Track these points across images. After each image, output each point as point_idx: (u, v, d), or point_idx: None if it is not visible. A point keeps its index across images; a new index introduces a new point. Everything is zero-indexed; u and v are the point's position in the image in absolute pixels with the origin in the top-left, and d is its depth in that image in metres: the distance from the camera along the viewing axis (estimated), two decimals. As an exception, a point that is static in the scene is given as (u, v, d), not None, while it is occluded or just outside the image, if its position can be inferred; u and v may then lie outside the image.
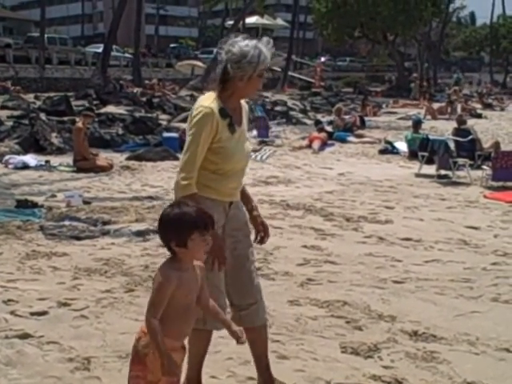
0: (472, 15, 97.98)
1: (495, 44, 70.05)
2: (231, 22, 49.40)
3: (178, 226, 3.03)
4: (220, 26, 60.20)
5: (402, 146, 16.83)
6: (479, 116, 30.39)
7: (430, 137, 14.51)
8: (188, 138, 3.65)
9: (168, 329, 3.05)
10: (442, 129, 22.01)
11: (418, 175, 13.39)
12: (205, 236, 3.07)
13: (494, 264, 7.08)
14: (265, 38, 3.71)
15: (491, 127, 25.53)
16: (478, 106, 36.23)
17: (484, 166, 13.05)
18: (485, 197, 11.22)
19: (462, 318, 5.41)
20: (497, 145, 14.77)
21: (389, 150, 17.12)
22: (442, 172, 13.16)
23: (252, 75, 3.63)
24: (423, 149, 13.66)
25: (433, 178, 12.95)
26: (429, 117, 28.87)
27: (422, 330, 5.05)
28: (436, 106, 32.16)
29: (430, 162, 13.49)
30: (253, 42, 3.65)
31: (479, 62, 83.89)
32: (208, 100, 3.66)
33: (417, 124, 16.49)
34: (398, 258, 7.22)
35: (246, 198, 4.08)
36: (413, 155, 14.73)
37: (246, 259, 3.95)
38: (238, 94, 3.73)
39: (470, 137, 14.17)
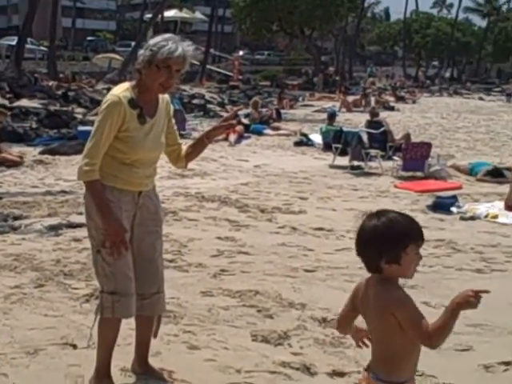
0: (386, 11, 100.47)
1: (408, 39, 71.76)
2: (150, 16, 48.88)
3: (391, 238, 2.57)
4: (138, 19, 59.44)
5: (316, 138, 17.07)
6: (392, 108, 31.13)
7: (344, 129, 14.80)
8: (94, 125, 3.70)
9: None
10: (356, 121, 22.42)
11: (331, 166, 13.62)
12: (419, 248, 2.66)
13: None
14: (187, 42, 3.75)
15: (403, 119, 26.19)
16: (391, 98, 37.09)
17: (395, 157, 13.39)
18: (395, 186, 11.53)
19: (369, 303, 5.56)
20: (407, 136, 15.21)
21: (304, 142, 17.32)
22: (355, 163, 13.43)
23: (151, 62, 3.62)
24: (337, 141, 13.91)
25: (346, 169, 13.20)
26: (344, 109, 29.37)
27: (330, 316, 5.15)
28: (351, 98, 32.72)
29: (343, 153, 13.74)
30: (167, 36, 3.72)
31: (393, 56, 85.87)
32: (119, 90, 3.71)
33: (331, 116, 16.78)
34: (310, 247, 7.36)
35: (192, 145, 4.16)
36: (327, 147, 14.99)
37: (154, 250, 3.97)
38: (144, 84, 3.73)
39: (382, 129, 14.51)
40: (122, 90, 3.70)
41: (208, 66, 48.56)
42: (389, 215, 2.63)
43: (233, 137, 17.30)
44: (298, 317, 5.18)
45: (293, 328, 4.93)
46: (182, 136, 17.53)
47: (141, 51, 3.70)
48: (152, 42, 3.68)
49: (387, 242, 2.56)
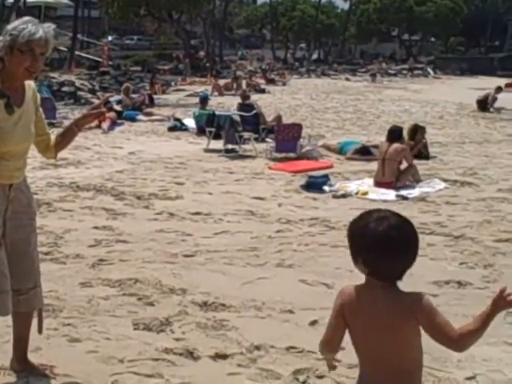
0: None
1: (275, 22, 72.73)
2: (12, 0, 46.85)
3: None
4: (-1, 3, 57.01)
5: (190, 122, 17.05)
6: (263, 91, 31.52)
7: (217, 113, 14.88)
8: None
9: None
10: (228, 104, 22.55)
11: (206, 150, 13.67)
12: None
13: (278, 232, 7.47)
14: (47, 24, 3.63)
15: (274, 101, 26.60)
16: (262, 81, 37.55)
17: (268, 139, 13.62)
18: (269, 168, 11.74)
19: (249, 285, 5.67)
20: (279, 118, 15.49)
21: (178, 127, 17.26)
22: (229, 146, 13.55)
23: (13, 47, 3.49)
24: (210, 124, 13.97)
25: (221, 153, 13.29)
26: (216, 93, 29.46)
27: (211, 300, 5.22)
28: (222, 82, 32.87)
29: (217, 137, 13.83)
30: (25, 18, 3.58)
31: (262, 39, 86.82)
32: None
33: (203, 100, 16.78)
34: (188, 232, 7.38)
35: (62, 134, 4.04)
36: (201, 131, 15.00)
37: (28, 243, 3.86)
38: (7, 71, 3.57)
39: (254, 111, 14.71)
40: None
41: (76, 52, 47.22)
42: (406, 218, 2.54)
43: (106, 124, 16.99)
44: (179, 302, 5.20)
45: (174, 314, 4.95)
46: (52, 125, 17.12)
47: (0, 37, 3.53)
48: (10, 26, 3.54)
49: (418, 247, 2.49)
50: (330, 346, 2.67)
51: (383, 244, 2.39)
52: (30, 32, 3.49)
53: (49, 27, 3.62)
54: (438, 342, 2.42)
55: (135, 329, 4.70)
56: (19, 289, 3.80)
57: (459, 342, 2.39)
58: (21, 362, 4.06)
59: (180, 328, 4.71)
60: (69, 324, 4.74)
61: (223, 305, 5.14)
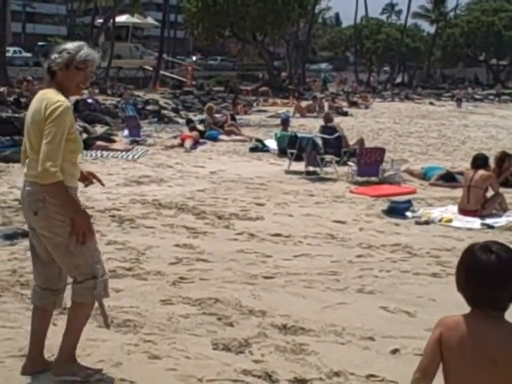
0: (337, 16, 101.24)
1: (359, 44, 72.51)
2: (101, 21, 48.45)
3: None
4: (89, 24, 58.87)
5: (271, 143, 17.14)
6: (345, 114, 31.40)
7: (299, 134, 14.89)
8: (51, 130, 3.81)
9: None
10: (310, 126, 22.56)
11: (287, 172, 13.68)
12: None
13: (359, 256, 7.38)
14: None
15: (356, 124, 26.47)
16: (344, 104, 37.43)
17: (350, 163, 13.51)
18: (351, 192, 11.64)
19: (329, 309, 5.60)
20: (361, 142, 15.37)
21: (259, 147, 17.37)
22: (311, 168, 13.51)
23: (69, 65, 3.94)
24: (292, 146, 13.99)
25: (302, 175, 13.26)
26: (298, 115, 29.51)
27: (291, 323, 5.19)
28: (304, 104, 32.92)
29: (298, 159, 13.82)
30: (78, 43, 4.10)
31: (345, 62, 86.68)
32: (58, 95, 3.91)
33: (285, 122, 16.87)
34: (268, 253, 7.37)
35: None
36: (282, 152, 15.05)
37: None
38: (60, 85, 3.98)
39: (336, 134, 14.64)
40: (61, 96, 3.91)
41: (161, 72, 48.38)
42: None
43: (188, 143, 17.26)
44: (258, 324, 5.18)
45: (253, 335, 4.94)
46: (137, 142, 17.46)
47: (54, 55, 3.98)
48: (67, 46, 4.02)
49: None
50: (425, 375, 2.54)
51: (478, 270, 2.41)
52: (86, 53, 4.00)
53: (98, 52, 4.15)
54: None
55: (214, 348, 4.71)
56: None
57: None
58: (36, 359, 4.22)
59: (259, 350, 4.69)
60: (149, 341, 4.79)
61: (303, 328, 5.09)
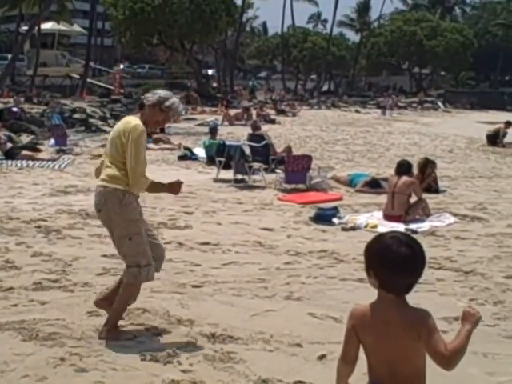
0: (264, 25, 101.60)
1: (286, 53, 73.24)
2: (26, 28, 47.36)
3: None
4: (15, 31, 57.52)
5: (200, 151, 17.13)
6: (273, 122, 31.64)
7: (227, 142, 14.94)
8: (134, 147, 4.89)
9: None
10: (238, 134, 22.67)
11: (216, 180, 13.71)
12: None
13: (286, 263, 7.45)
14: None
15: (284, 132, 26.71)
16: (272, 112, 37.73)
17: (277, 170, 13.64)
18: (278, 199, 11.74)
19: (257, 317, 5.64)
20: (289, 149, 15.54)
21: (188, 156, 17.35)
22: (239, 176, 13.58)
23: (156, 105, 5.07)
24: (220, 154, 14.03)
25: (230, 183, 13.31)
26: (226, 123, 29.61)
27: (219, 331, 5.20)
28: (233, 112, 33.04)
29: (227, 167, 13.87)
30: (168, 92, 5.31)
31: (272, 70, 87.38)
32: (138, 120, 5.02)
33: (213, 130, 16.88)
34: (196, 262, 7.37)
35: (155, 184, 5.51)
36: (211, 161, 15.06)
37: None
38: (144, 118, 5.06)
39: (264, 142, 14.74)
40: (140, 121, 5.00)
41: (88, 80, 47.72)
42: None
43: (115, 152, 17.05)
44: (186, 333, 5.18)
45: (182, 345, 4.93)
46: (63, 151, 17.12)
47: (149, 95, 5.17)
48: (162, 93, 5.21)
49: (424, 267, 2.80)
50: (345, 359, 2.91)
51: (393, 259, 2.70)
52: (172, 102, 5.13)
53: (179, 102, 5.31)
54: (431, 357, 2.67)
55: (142, 359, 4.68)
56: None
57: (450, 358, 2.64)
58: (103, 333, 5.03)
59: (187, 359, 4.68)
60: (76, 353, 4.73)
61: (231, 337, 5.11)
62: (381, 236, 2.85)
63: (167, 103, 5.07)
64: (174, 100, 5.15)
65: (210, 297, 6.14)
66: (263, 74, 79.59)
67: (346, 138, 25.41)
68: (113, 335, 5.00)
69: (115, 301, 5.11)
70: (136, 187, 5.01)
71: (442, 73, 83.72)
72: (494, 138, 24.57)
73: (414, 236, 8.67)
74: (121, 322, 5.37)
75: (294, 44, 74.57)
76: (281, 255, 7.85)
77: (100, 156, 16.71)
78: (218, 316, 5.59)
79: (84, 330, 5.18)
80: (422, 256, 2.77)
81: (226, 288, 6.43)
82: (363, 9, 77.58)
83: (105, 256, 7.49)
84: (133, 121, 5.01)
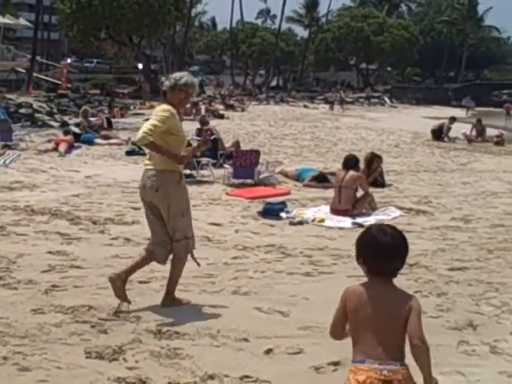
0: (213, 20, 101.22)
1: (235, 48, 73.21)
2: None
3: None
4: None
5: (148, 147, 16.97)
6: (222, 117, 31.60)
7: (175, 138, 14.83)
8: (155, 117, 5.50)
9: None
10: (187, 129, 22.47)
11: (164, 176, 13.58)
12: None
13: (234, 258, 7.47)
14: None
15: (233, 127, 26.70)
16: (221, 107, 37.67)
17: (226, 165, 13.63)
18: (227, 194, 11.74)
19: (204, 312, 5.64)
20: (237, 144, 15.55)
21: (136, 151, 17.17)
22: (187, 171, 13.48)
23: (174, 88, 5.64)
24: (168, 150, 13.92)
25: (179, 178, 13.22)
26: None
27: (166, 327, 5.18)
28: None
29: (175, 162, 13.77)
30: (182, 73, 5.92)
31: (221, 65, 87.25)
32: (169, 106, 5.59)
33: (162, 125, 16.75)
34: (144, 258, 7.30)
35: None
36: (159, 156, 14.92)
37: None
38: (170, 102, 5.64)
39: (213, 137, 14.69)
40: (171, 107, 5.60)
41: (35, 74, 46.80)
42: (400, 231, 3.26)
43: (62, 147, 16.85)
44: (132, 330, 5.14)
45: (128, 342, 4.89)
46: (8, 147, 16.80)
47: (166, 82, 5.80)
48: (173, 75, 5.79)
49: (407, 254, 3.20)
50: (335, 331, 3.31)
51: (375, 247, 3.13)
52: (186, 79, 5.68)
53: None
54: (408, 333, 3.05)
55: (87, 357, 4.63)
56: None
57: (418, 344, 3.03)
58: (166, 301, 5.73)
59: (133, 356, 4.65)
60: (19, 352, 4.65)
61: (177, 333, 5.09)
62: (369, 228, 3.28)
63: (181, 81, 5.62)
64: (187, 77, 5.70)
65: (157, 293, 6.09)
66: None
67: (295, 133, 25.54)
68: (172, 302, 5.73)
69: (170, 273, 5.81)
70: (142, 140, 5.46)
71: (389, 69, 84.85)
72: (439, 133, 25.02)
73: (360, 230, 8.82)
74: (65, 319, 5.32)
75: (242, 39, 74.58)
76: (229, 250, 7.86)
77: (46, 152, 16.57)
78: (165, 312, 5.57)
79: (28, 328, 5.10)
80: (404, 245, 3.16)
81: (174, 283, 6.40)
82: (311, 5, 78.05)
83: (50, 253, 7.40)
84: (162, 106, 5.63)
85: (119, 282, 5.64)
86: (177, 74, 5.77)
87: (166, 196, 5.58)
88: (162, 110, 5.55)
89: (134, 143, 17.99)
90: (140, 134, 5.41)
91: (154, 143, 5.43)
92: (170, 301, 5.74)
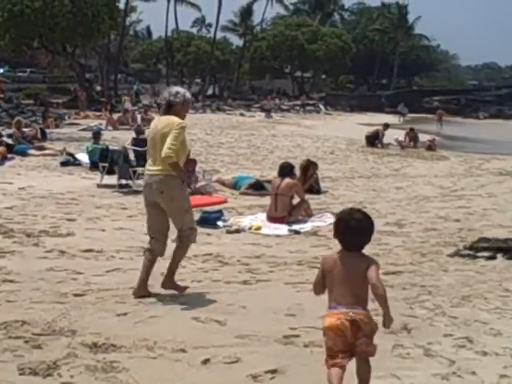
0: (148, 29, 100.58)
1: (170, 57, 72.92)
2: None
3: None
4: None
5: (83, 157, 16.77)
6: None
7: (110, 147, 14.72)
8: (175, 135, 6.22)
9: None
10: (122, 139, 22.33)
11: (99, 186, 13.47)
12: None
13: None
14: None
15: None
16: (157, 115, 37.37)
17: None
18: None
19: (141, 324, 5.58)
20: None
21: (70, 161, 16.95)
22: (123, 181, 13.41)
23: (183, 102, 6.52)
24: (104, 159, 13.80)
25: (114, 188, 13.13)
26: (110, 127, 29.15)
27: (102, 340, 5.10)
28: (116, 116, 32.56)
29: (111, 172, 13.67)
30: (181, 88, 6.86)
31: (157, 74, 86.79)
32: (179, 119, 6.38)
33: (97, 135, 16.58)
34: (79, 270, 7.22)
35: None
36: (94, 166, 14.77)
37: None
38: (177, 114, 6.43)
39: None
40: (180, 119, 6.42)
41: (-35, 85, 45.69)
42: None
43: (-6, 158, 16.47)
44: (67, 344, 5.04)
45: (63, 356, 4.79)
46: None
47: (172, 96, 6.49)
48: (179, 90, 6.64)
49: (372, 232, 4.23)
50: (316, 288, 4.30)
51: (346, 227, 4.16)
52: (188, 96, 6.68)
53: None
54: (370, 283, 4.03)
55: (21, 374, 4.52)
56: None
57: (376, 283, 4.04)
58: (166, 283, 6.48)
59: (68, 371, 4.56)
60: None
61: (114, 345, 5.02)
62: (342, 212, 4.35)
63: (188, 96, 6.64)
64: (188, 94, 6.71)
65: (93, 305, 6.02)
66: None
67: (231, 141, 25.60)
68: (173, 285, 6.48)
69: (172, 258, 6.57)
70: (169, 160, 6.20)
71: (323, 76, 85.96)
72: (373, 140, 25.50)
73: (297, 237, 8.93)
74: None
75: (178, 48, 74.37)
76: (165, 260, 7.81)
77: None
78: (101, 325, 5.50)
79: (-42, 346, 4.96)
80: (369, 226, 4.19)
81: (110, 295, 6.34)
82: (246, 13, 78.32)
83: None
84: (175, 119, 6.33)
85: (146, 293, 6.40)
86: (179, 89, 6.63)
87: (170, 198, 6.33)
88: (179, 124, 6.30)
89: (69, 154, 17.75)
90: (167, 152, 6.13)
91: (177, 164, 6.24)
92: (170, 284, 6.47)
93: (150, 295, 6.32)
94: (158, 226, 6.53)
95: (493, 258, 8.40)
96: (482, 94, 73.95)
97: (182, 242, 6.53)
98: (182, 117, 6.48)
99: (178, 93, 6.49)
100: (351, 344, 4.04)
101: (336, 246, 8.59)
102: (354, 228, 4.09)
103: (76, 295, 6.32)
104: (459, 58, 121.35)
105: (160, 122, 6.45)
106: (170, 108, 6.45)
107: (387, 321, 4.15)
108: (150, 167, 6.42)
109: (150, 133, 6.65)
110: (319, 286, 4.25)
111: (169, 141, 6.15)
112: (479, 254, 8.50)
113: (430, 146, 25.01)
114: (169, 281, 6.48)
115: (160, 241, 6.52)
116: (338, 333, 4.03)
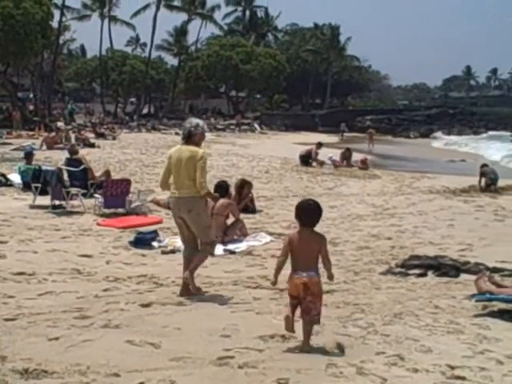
0: (82, 48, 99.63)
1: (105, 76, 72.23)
2: None
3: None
4: None
5: (15, 177, 16.42)
6: (92, 145, 31.01)
7: (43, 167, 14.48)
8: (202, 166, 7.28)
9: None
10: (56, 159, 22.00)
11: (32, 207, 13.22)
12: None
13: (105, 290, 7.36)
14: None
15: (103, 156, 26.24)
16: (92, 135, 37.01)
17: (96, 195, 13.41)
18: (98, 224, 11.55)
19: (73, 348, 5.48)
20: (107, 173, 15.34)
21: (2, 182, 16.58)
22: (56, 202, 13.20)
23: (202, 133, 7.56)
24: (36, 180, 13.56)
25: (47, 209, 12.90)
26: (44, 147, 28.65)
27: (33, 366, 4.98)
28: (51, 135, 32.05)
29: (44, 192, 13.43)
30: (200, 121, 7.76)
31: (92, 93, 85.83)
32: (200, 149, 7.47)
33: (29, 155, 16.29)
34: (10, 294, 7.08)
35: None
36: (26, 187, 14.48)
37: None
38: (196, 143, 7.46)
39: (82, 166, 14.47)
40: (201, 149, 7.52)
41: None
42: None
43: None
44: (-3, 371, 4.93)
45: (-9, 384, 4.68)
46: None
47: (193, 127, 7.49)
48: (201, 123, 7.69)
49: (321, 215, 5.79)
50: (282, 259, 5.76)
51: (304, 210, 5.71)
52: (205, 127, 7.73)
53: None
54: (320, 257, 5.66)
55: None
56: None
57: (326, 259, 5.72)
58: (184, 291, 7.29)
59: (-2, 399, 4.46)
60: None
61: (45, 371, 4.91)
62: (301, 201, 5.94)
63: (205, 128, 7.69)
64: (205, 125, 7.89)
65: (24, 330, 5.89)
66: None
67: (165, 160, 25.40)
68: (194, 289, 7.26)
69: (191, 264, 7.33)
70: (203, 191, 7.29)
71: (258, 96, 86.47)
72: (307, 159, 25.78)
73: (232, 256, 9.01)
74: None
75: (112, 67, 73.67)
76: (99, 282, 7.73)
77: None
78: (33, 350, 5.38)
79: None
80: (319, 208, 5.76)
81: (42, 320, 6.21)
82: (180, 33, 78.30)
83: None
84: (199, 151, 7.36)
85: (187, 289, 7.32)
86: (199, 122, 7.62)
87: (196, 216, 7.34)
88: (202, 158, 7.30)
89: (1, 174, 17.35)
90: (201, 185, 7.23)
91: (209, 193, 7.58)
92: (192, 289, 7.27)
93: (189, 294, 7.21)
94: (191, 237, 7.52)
95: (423, 275, 8.61)
96: (411, 113, 75.86)
97: (203, 250, 7.49)
98: (199, 145, 7.46)
99: (198, 125, 7.48)
100: (302, 298, 5.55)
101: (271, 266, 8.74)
102: (310, 209, 5.69)
103: (7, 320, 6.18)
104: (390, 78, 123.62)
105: (183, 151, 7.39)
106: (189, 138, 7.42)
107: (330, 276, 5.75)
108: (176, 191, 7.41)
109: (171, 159, 7.48)
110: (284, 259, 5.71)
111: (199, 174, 7.22)
112: (410, 272, 8.70)
113: (363, 167, 25.42)
114: (190, 284, 7.28)
115: (194, 249, 7.54)
116: (295, 290, 5.59)
